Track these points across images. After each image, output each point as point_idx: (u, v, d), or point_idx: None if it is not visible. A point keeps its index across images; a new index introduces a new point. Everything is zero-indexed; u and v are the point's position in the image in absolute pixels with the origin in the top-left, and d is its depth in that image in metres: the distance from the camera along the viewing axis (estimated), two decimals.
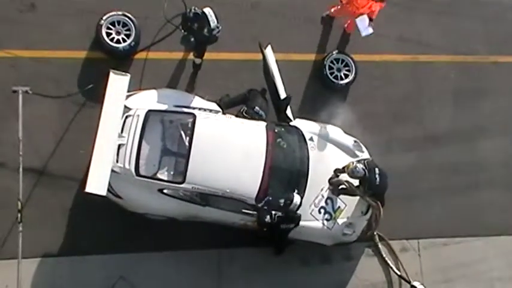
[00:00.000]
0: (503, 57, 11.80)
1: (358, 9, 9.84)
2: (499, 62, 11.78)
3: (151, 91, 9.29)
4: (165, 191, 8.70)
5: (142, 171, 8.60)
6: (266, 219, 8.68)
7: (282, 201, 8.83)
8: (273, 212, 8.73)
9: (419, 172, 10.81)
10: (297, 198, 8.81)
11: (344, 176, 9.33)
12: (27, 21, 9.81)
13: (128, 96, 8.70)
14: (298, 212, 8.93)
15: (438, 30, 11.61)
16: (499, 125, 11.55)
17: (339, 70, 10.69)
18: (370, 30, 9.87)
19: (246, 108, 9.41)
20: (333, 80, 10.62)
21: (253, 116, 9.30)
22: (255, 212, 8.82)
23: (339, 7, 10.50)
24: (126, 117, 8.74)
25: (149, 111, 8.82)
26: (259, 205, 8.73)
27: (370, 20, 9.84)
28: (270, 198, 8.77)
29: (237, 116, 9.33)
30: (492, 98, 11.62)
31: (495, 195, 11.15)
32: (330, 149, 9.70)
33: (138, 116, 8.75)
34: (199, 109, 9.14)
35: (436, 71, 11.41)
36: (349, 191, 9.34)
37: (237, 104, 9.59)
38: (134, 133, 8.63)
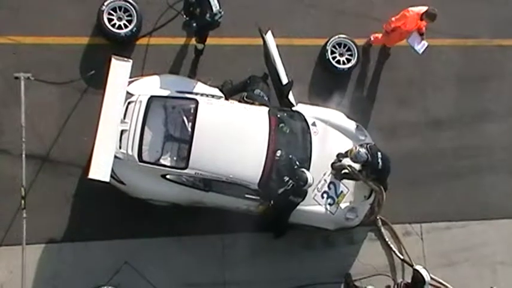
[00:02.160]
0: (507, 40, 11.69)
1: (403, 34, 9.86)
2: (503, 45, 11.67)
3: (153, 77, 9.26)
4: (168, 176, 8.70)
5: (145, 157, 8.60)
6: (280, 191, 8.65)
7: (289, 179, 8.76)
8: (286, 178, 8.68)
9: (422, 156, 10.79)
10: (310, 179, 8.60)
11: (347, 161, 9.31)
12: (28, 7, 9.74)
13: (130, 82, 8.68)
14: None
15: (442, 14, 11.41)
16: (503, 109, 11.48)
17: (341, 55, 10.63)
18: (425, 44, 9.89)
19: (246, 93, 9.36)
20: (335, 64, 10.56)
21: (255, 99, 9.25)
22: (258, 197, 8.84)
23: (381, 36, 10.42)
24: (129, 103, 8.72)
25: (151, 97, 8.80)
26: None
27: (421, 34, 9.86)
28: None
29: (239, 102, 9.31)
30: (496, 81, 11.56)
31: (498, 179, 11.13)
32: (333, 134, 9.67)
33: (141, 102, 8.73)
34: (202, 95, 9.12)
35: (440, 55, 11.32)
36: (352, 176, 9.34)
37: (239, 91, 9.54)
38: (137, 119, 8.62)
